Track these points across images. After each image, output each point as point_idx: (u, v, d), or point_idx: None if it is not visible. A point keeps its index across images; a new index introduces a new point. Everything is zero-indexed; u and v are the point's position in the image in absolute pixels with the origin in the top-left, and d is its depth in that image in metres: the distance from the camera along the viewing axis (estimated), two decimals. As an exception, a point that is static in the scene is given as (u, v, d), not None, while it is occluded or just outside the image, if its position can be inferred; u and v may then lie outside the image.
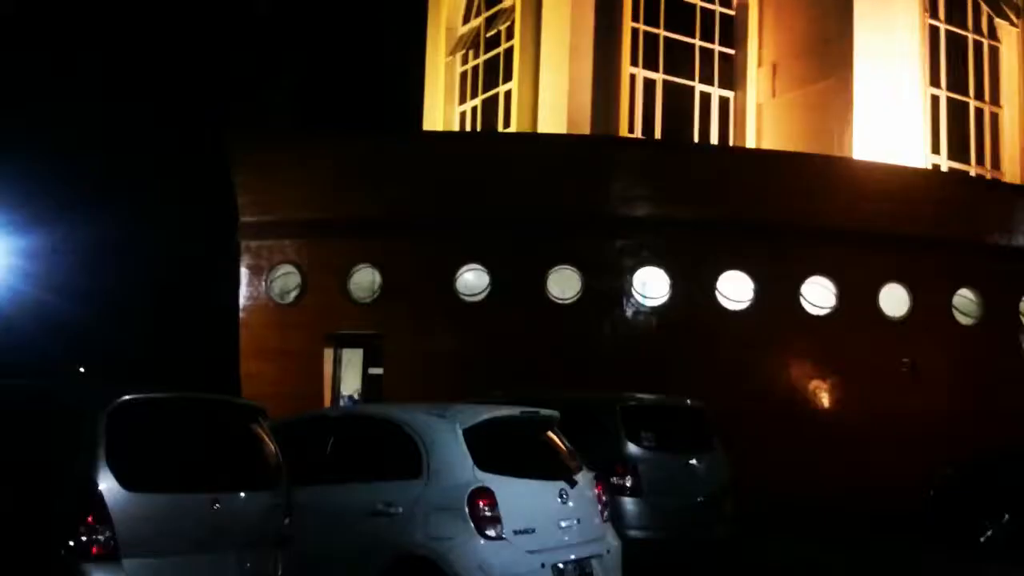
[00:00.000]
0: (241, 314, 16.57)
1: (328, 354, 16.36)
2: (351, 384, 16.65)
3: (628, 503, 8.96)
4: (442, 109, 23.82)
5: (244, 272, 16.58)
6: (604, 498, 7.43)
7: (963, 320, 17.17)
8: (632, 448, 9.17)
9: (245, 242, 16.65)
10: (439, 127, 23.55)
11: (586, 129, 19.48)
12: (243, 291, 16.55)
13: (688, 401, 10.23)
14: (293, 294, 16.40)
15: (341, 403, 16.03)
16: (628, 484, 8.94)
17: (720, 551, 9.73)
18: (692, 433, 9.89)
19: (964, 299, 17.21)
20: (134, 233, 29.57)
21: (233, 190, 16.66)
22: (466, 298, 15.82)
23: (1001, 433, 13.82)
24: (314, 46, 29.43)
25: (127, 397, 5.56)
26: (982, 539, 11.32)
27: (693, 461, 9.61)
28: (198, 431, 5.98)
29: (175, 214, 29.55)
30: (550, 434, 7.47)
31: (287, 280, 16.48)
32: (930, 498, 12.00)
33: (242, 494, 5.91)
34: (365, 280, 16.07)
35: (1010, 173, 21.54)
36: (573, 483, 7.04)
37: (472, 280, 15.91)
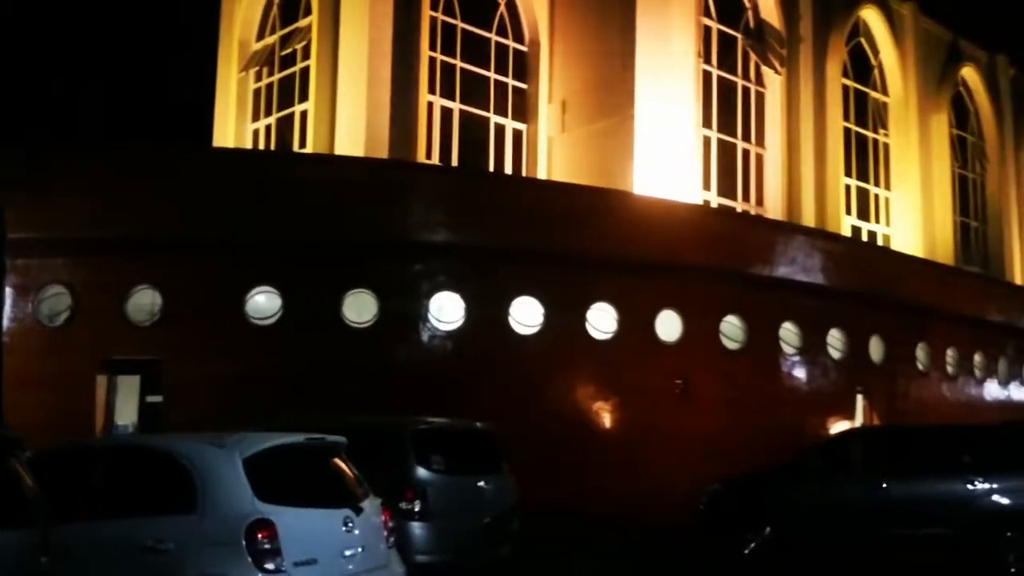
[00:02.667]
0: (5, 338, 15.22)
1: (102, 381, 15.36)
2: (127, 413, 15.70)
3: (416, 528, 9.02)
4: (234, 126, 23.12)
5: (9, 292, 15.27)
6: (391, 524, 7.45)
7: (730, 344, 18.57)
8: (422, 472, 9.25)
9: (11, 260, 15.34)
10: (230, 144, 22.81)
11: (384, 152, 19.53)
12: (7, 313, 15.22)
13: (477, 424, 10.45)
14: (63, 316, 15.31)
15: (115, 433, 15.07)
16: (416, 508, 9.01)
17: (506, 571, 9.97)
18: (481, 455, 10.11)
19: (731, 325, 18.63)
20: None
21: (-4, 204, 15.35)
22: (256, 321, 15.37)
23: (765, 450, 15.00)
24: (99, 57, 27.74)
25: None
26: (746, 551, 12.24)
27: (481, 483, 9.82)
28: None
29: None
30: (337, 461, 7.42)
31: (56, 301, 15.37)
32: (700, 512, 12.82)
33: (-7, 533, 5.47)
34: (144, 302, 15.25)
35: (772, 209, 23.57)
36: (359, 510, 7.02)
37: (263, 303, 15.49)
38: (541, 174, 21.76)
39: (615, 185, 19.76)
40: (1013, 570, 11.13)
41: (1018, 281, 29.53)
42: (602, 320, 17.23)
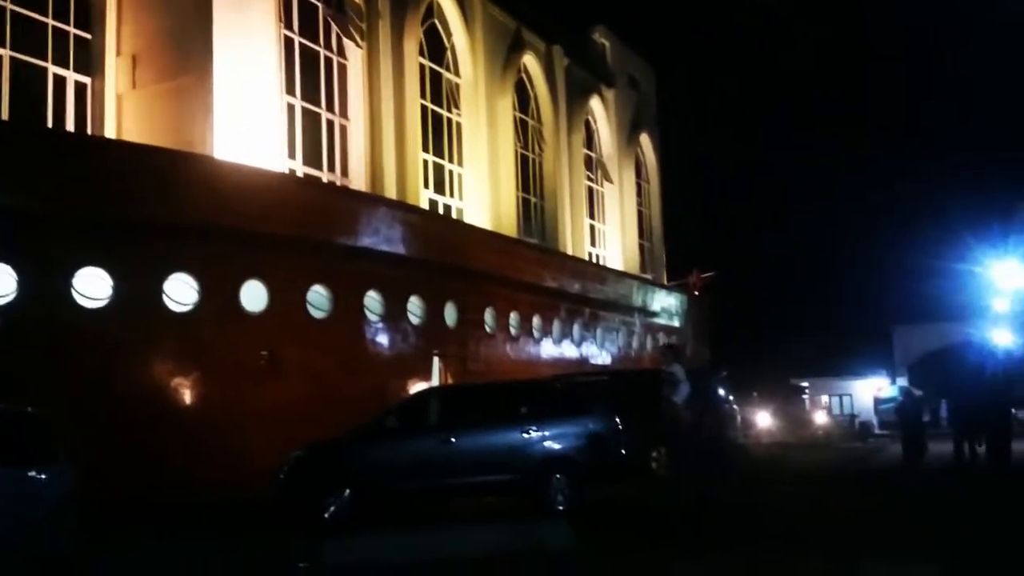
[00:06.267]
0: None
1: None
2: None
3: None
4: None
5: None
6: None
7: (316, 314, 18.76)
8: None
9: None
10: None
11: (-93, 101, 16.61)
12: None
13: (28, 409, 9.46)
14: None
15: None
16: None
17: (64, 567, 9.19)
18: (34, 445, 9.17)
19: (317, 295, 18.82)
20: None
21: None
22: None
23: (353, 415, 15.42)
24: None
25: None
26: (326, 515, 12.51)
27: (32, 473, 8.92)
28: None
29: None
30: None
31: None
32: (281, 481, 12.84)
33: None
34: None
35: (356, 180, 24.05)
36: None
37: None
38: (109, 133, 19.95)
39: (193, 148, 18.74)
40: (561, 508, 12.71)
41: (569, 252, 33.46)
42: (181, 291, 16.43)
